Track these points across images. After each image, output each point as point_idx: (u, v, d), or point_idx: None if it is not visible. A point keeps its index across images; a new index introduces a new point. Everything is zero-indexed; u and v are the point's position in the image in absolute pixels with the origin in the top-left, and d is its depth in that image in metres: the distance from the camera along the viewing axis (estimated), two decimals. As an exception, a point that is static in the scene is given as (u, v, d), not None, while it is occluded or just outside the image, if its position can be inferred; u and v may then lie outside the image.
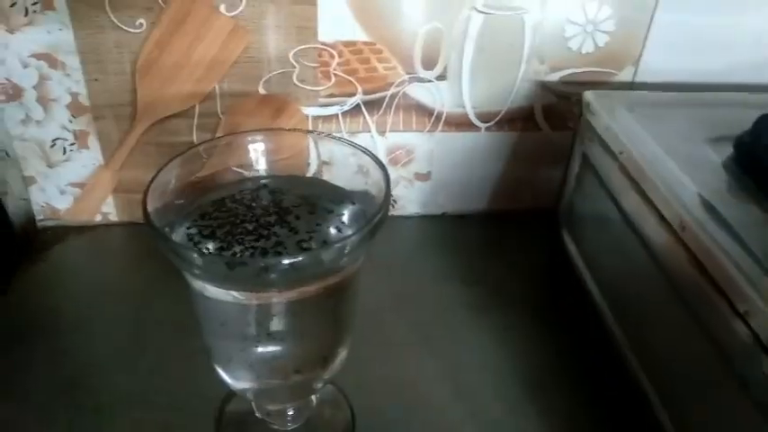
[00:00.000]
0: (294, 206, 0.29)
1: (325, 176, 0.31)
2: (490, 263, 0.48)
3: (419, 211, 0.52)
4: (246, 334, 0.28)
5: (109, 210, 0.49)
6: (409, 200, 0.52)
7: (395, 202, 0.52)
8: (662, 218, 0.32)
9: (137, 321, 0.41)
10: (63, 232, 0.49)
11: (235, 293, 0.25)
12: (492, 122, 0.48)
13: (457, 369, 0.39)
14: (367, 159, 0.29)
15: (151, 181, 0.26)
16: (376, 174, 0.28)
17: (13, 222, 0.47)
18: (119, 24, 0.41)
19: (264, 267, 0.23)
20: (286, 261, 0.23)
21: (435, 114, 0.47)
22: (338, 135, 0.46)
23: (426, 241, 0.50)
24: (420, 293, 0.45)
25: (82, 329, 0.40)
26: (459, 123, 0.48)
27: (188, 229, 0.27)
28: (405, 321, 0.42)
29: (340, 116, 0.47)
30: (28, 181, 0.47)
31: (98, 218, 0.49)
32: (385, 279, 0.45)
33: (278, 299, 0.26)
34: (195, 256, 0.24)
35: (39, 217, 0.49)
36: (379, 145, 0.48)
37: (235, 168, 0.31)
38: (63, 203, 0.48)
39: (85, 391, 0.36)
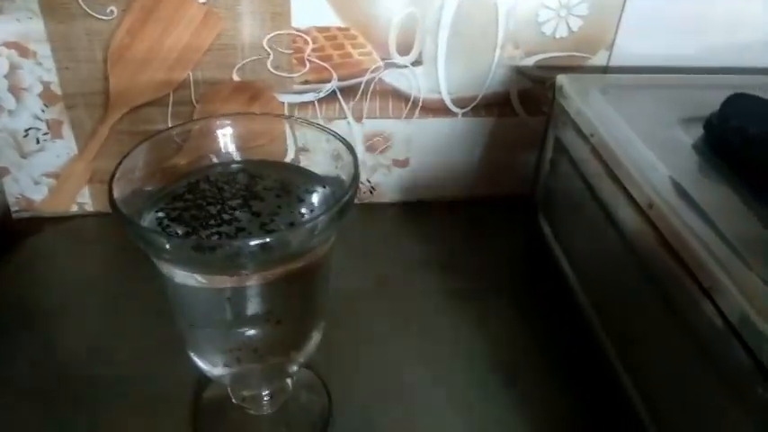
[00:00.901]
0: (266, 189, 0.29)
1: (303, 163, 0.31)
2: (468, 249, 0.48)
3: (397, 197, 0.52)
4: (217, 319, 0.28)
5: (85, 200, 0.49)
6: (388, 186, 0.52)
7: (373, 189, 0.52)
8: (632, 199, 0.32)
9: (114, 311, 0.41)
10: (39, 223, 0.48)
11: (200, 277, 0.25)
12: (468, 108, 0.48)
13: (434, 354, 0.39)
14: (338, 144, 0.29)
15: (118, 165, 0.26)
16: (346, 156, 0.28)
17: (-12, 214, 0.46)
18: (89, 11, 0.40)
19: (233, 250, 0.23)
20: (254, 243, 0.23)
21: (412, 100, 0.47)
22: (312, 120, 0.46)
23: (404, 228, 0.50)
24: (397, 280, 0.45)
25: (60, 320, 0.40)
26: (436, 109, 0.48)
27: (157, 212, 0.27)
28: (382, 307, 0.42)
29: (316, 103, 0.46)
30: (1, 172, 0.46)
31: (74, 208, 0.49)
32: (363, 265, 0.45)
33: (248, 282, 0.26)
34: (161, 239, 0.23)
35: (14, 209, 0.48)
36: (356, 132, 0.48)
37: (211, 155, 0.31)
38: (38, 194, 0.48)
39: (63, 381, 0.36)
